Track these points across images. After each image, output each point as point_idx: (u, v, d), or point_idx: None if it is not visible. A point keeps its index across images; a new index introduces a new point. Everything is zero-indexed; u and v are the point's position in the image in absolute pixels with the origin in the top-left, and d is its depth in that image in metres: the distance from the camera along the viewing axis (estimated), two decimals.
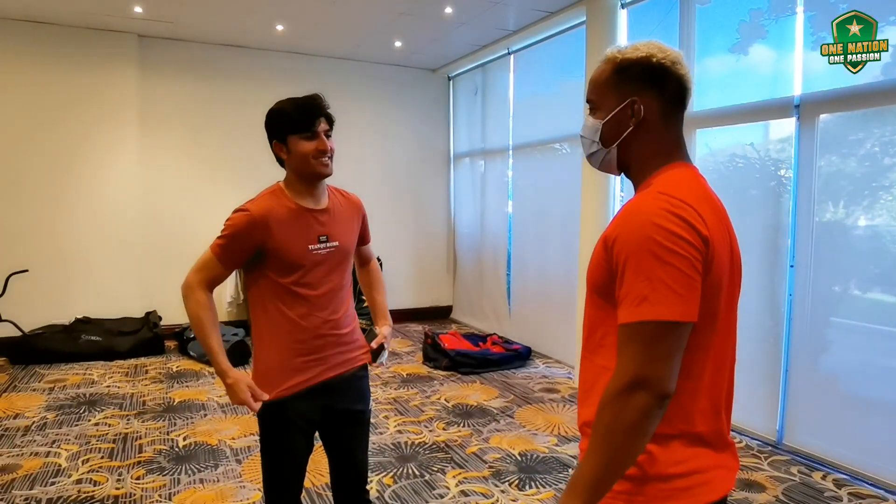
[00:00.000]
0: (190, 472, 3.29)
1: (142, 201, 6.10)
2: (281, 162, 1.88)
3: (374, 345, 2.08)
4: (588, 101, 1.26)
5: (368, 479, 2.09)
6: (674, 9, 4.32)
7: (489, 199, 6.97)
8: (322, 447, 2.04)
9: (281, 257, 1.80)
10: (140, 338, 5.70)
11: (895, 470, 3.10)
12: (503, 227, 6.70)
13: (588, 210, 4.84)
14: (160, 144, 6.22)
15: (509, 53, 6.38)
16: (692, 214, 1.05)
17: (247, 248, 1.79)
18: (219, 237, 1.80)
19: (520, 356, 5.65)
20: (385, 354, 2.11)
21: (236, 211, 1.81)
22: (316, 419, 1.92)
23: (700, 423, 1.12)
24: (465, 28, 5.72)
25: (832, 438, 3.40)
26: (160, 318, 6.03)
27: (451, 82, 7.61)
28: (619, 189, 4.95)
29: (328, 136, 1.84)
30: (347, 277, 1.97)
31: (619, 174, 1.28)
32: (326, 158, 1.83)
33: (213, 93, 6.41)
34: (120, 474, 3.25)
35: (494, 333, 6.31)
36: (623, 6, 4.72)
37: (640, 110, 1.16)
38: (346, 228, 1.96)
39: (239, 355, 5.31)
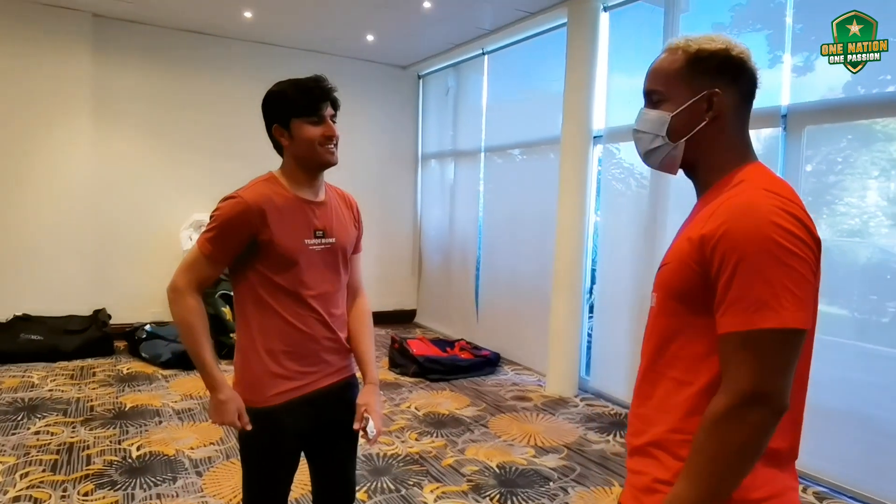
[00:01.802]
0: (145, 485, 3.02)
1: (94, 192, 5.68)
2: (279, 148, 1.70)
3: (356, 425, 1.69)
4: (650, 93, 1.15)
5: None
6: (656, 13, 4.28)
7: (459, 201, 6.82)
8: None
9: (274, 251, 1.61)
10: (87, 337, 5.31)
11: (873, 484, 3.10)
12: (473, 230, 6.55)
13: (565, 216, 4.75)
14: (116, 133, 5.82)
15: (483, 54, 6.26)
16: (804, 215, 0.96)
17: (240, 240, 1.59)
18: (206, 231, 1.60)
19: (489, 363, 5.52)
20: (373, 426, 1.68)
21: (225, 199, 1.61)
22: (306, 431, 1.73)
23: (780, 440, 1.02)
24: (441, 24, 5.57)
25: (812, 452, 3.37)
26: (109, 317, 5.64)
27: (420, 81, 7.44)
28: (594, 196, 4.89)
29: (333, 121, 1.68)
30: (344, 279, 1.80)
31: (676, 173, 1.18)
32: (332, 146, 1.67)
33: (173, 81, 6.05)
34: (65, 489, 2.95)
35: (462, 339, 6.17)
36: (605, 9, 4.67)
37: (719, 103, 1.08)
38: (342, 225, 1.79)
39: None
